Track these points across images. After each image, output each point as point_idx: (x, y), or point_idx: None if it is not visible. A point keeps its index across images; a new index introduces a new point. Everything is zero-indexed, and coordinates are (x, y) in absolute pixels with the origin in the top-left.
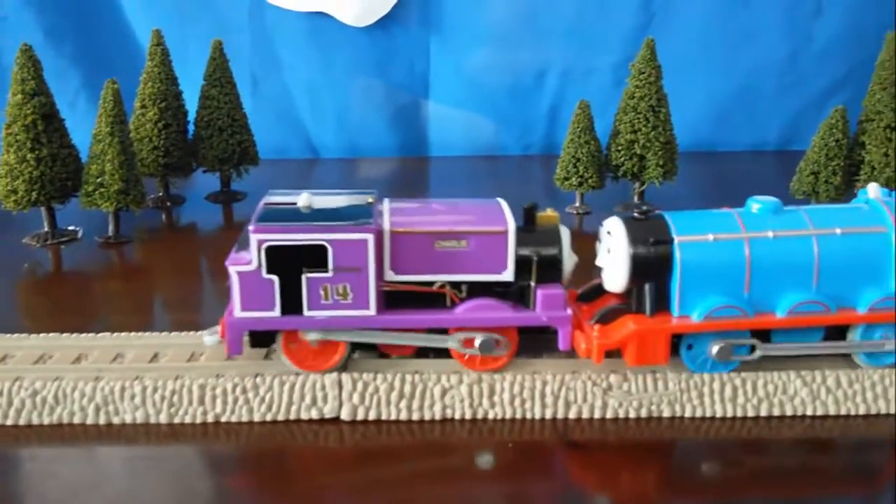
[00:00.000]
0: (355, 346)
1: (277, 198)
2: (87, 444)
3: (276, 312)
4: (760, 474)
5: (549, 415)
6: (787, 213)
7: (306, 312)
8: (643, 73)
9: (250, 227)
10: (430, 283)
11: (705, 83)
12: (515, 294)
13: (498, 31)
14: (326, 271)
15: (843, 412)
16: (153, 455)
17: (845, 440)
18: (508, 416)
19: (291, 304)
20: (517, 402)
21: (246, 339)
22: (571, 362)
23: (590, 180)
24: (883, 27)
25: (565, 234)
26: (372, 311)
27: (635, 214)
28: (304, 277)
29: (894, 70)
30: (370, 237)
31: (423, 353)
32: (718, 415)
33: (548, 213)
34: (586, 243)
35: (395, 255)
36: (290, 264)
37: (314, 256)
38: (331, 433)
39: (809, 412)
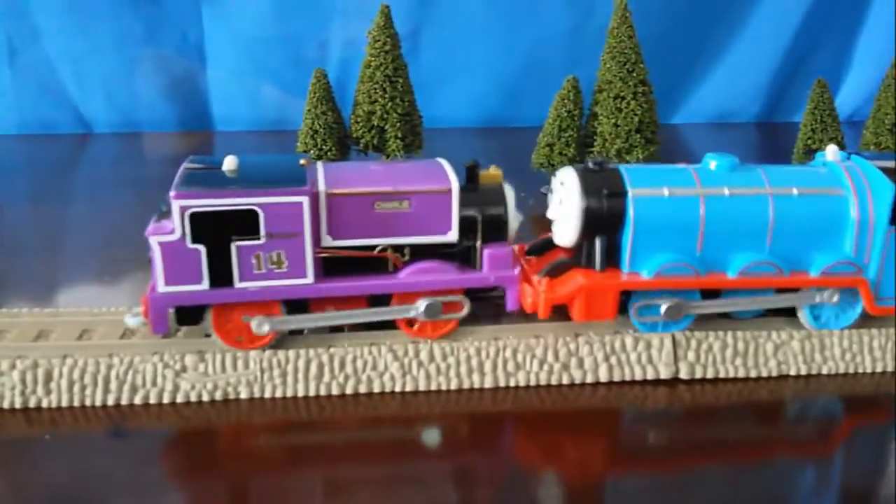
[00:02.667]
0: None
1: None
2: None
3: (205, 285)
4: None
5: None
6: (745, 170)
7: (237, 284)
8: (378, 41)
9: (171, 193)
10: (371, 248)
11: (490, 58)
12: (460, 255)
13: None
14: (258, 238)
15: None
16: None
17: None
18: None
19: (220, 275)
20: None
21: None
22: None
23: (329, 153)
24: (669, 2)
25: (509, 192)
26: (309, 280)
27: (590, 165)
28: (233, 246)
29: (624, 37)
30: (305, 200)
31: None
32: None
33: (490, 172)
34: None
35: (332, 218)
36: (217, 232)
37: (244, 223)
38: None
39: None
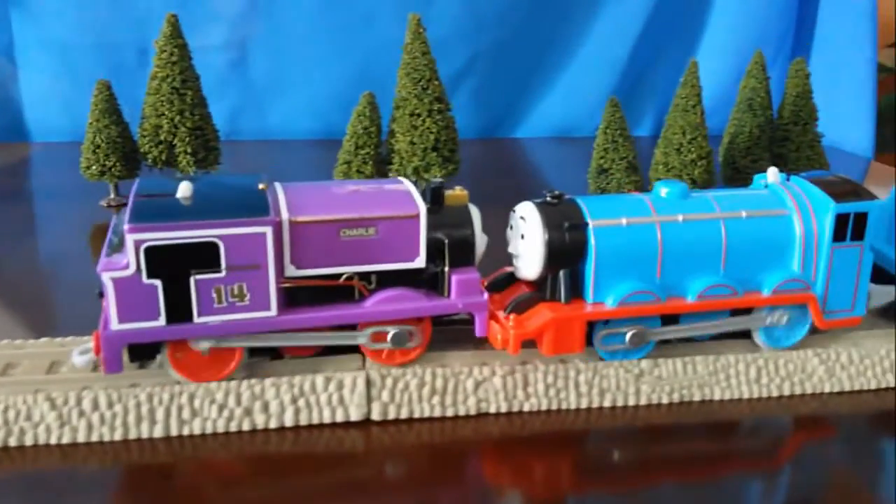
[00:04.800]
0: (253, 351)
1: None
2: None
3: (161, 321)
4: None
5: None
6: (695, 197)
7: (197, 319)
8: (164, 51)
9: (125, 227)
10: (337, 276)
11: (324, 69)
12: (427, 281)
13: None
14: (219, 271)
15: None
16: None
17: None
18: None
19: (178, 310)
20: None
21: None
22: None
23: (113, 169)
24: (501, 14)
25: (475, 213)
26: (273, 312)
27: (548, 199)
28: (192, 279)
29: (418, 54)
30: (268, 230)
31: (327, 349)
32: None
33: (456, 192)
34: None
35: (296, 247)
36: (174, 266)
37: (203, 255)
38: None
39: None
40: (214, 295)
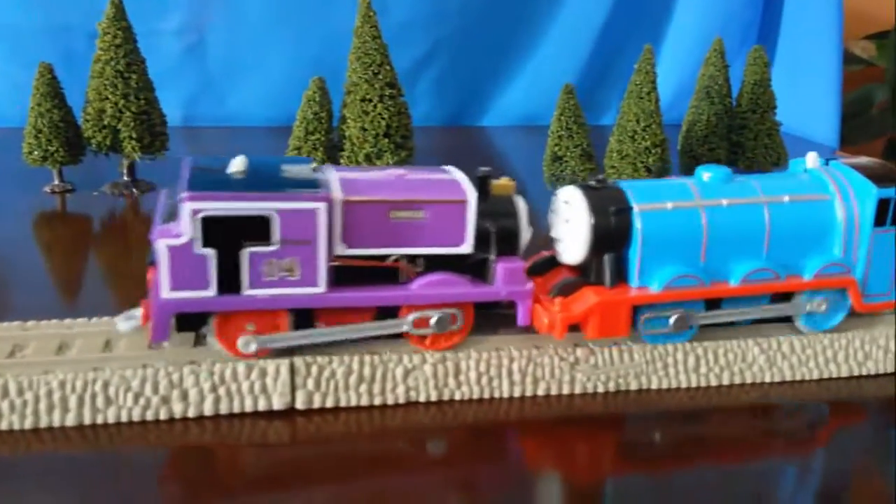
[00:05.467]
0: (298, 327)
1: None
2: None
3: (212, 292)
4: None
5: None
6: (738, 181)
7: (246, 291)
8: (108, 34)
9: (183, 195)
10: (384, 258)
11: (281, 56)
12: (473, 268)
13: None
14: (271, 244)
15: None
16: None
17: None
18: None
19: (229, 282)
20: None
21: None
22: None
23: (56, 154)
24: (464, 1)
25: (521, 204)
26: (321, 289)
27: (592, 183)
28: (244, 252)
29: (368, 38)
30: (322, 206)
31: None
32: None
33: (502, 182)
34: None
35: (347, 226)
36: (228, 237)
37: (257, 228)
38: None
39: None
40: (265, 268)
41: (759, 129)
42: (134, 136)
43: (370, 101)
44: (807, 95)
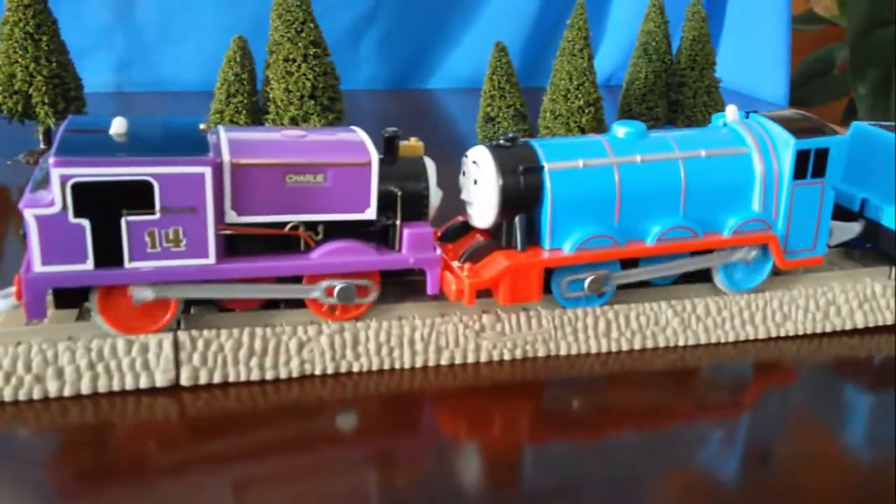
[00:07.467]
0: (189, 302)
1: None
2: None
3: (89, 265)
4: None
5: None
6: (653, 137)
7: (128, 264)
8: None
9: (50, 160)
10: (281, 225)
11: (216, 17)
12: (377, 234)
13: None
14: (152, 213)
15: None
16: None
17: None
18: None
19: (108, 253)
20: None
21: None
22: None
23: None
24: None
25: (430, 166)
26: (211, 260)
27: (501, 142)
28: (123, 221)
29: None
30: (207, 170)
31: (271, 303)
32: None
33: (411, 143)
34: None
35: (237, 191)
36: (104, 205)
37: (135, 195)
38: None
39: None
40: (147, 239)
41: (697, 87)
42: (46, 101)
43: (294, 61)
44: (756, 54)
